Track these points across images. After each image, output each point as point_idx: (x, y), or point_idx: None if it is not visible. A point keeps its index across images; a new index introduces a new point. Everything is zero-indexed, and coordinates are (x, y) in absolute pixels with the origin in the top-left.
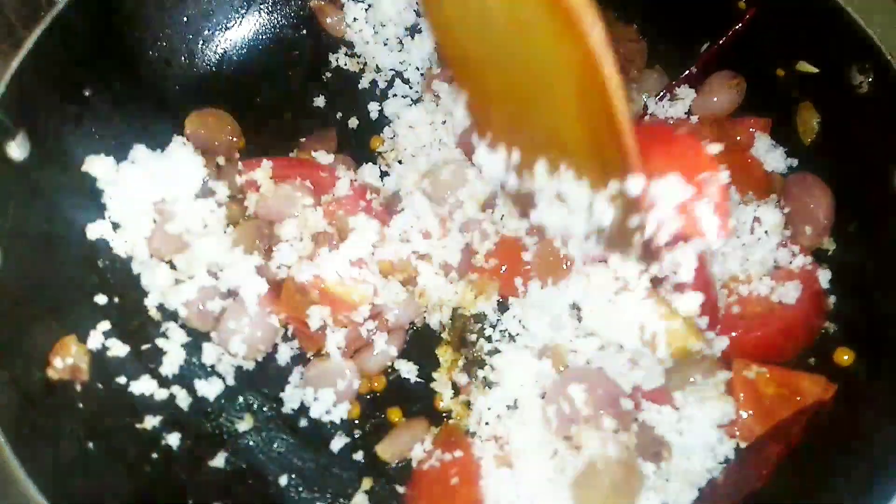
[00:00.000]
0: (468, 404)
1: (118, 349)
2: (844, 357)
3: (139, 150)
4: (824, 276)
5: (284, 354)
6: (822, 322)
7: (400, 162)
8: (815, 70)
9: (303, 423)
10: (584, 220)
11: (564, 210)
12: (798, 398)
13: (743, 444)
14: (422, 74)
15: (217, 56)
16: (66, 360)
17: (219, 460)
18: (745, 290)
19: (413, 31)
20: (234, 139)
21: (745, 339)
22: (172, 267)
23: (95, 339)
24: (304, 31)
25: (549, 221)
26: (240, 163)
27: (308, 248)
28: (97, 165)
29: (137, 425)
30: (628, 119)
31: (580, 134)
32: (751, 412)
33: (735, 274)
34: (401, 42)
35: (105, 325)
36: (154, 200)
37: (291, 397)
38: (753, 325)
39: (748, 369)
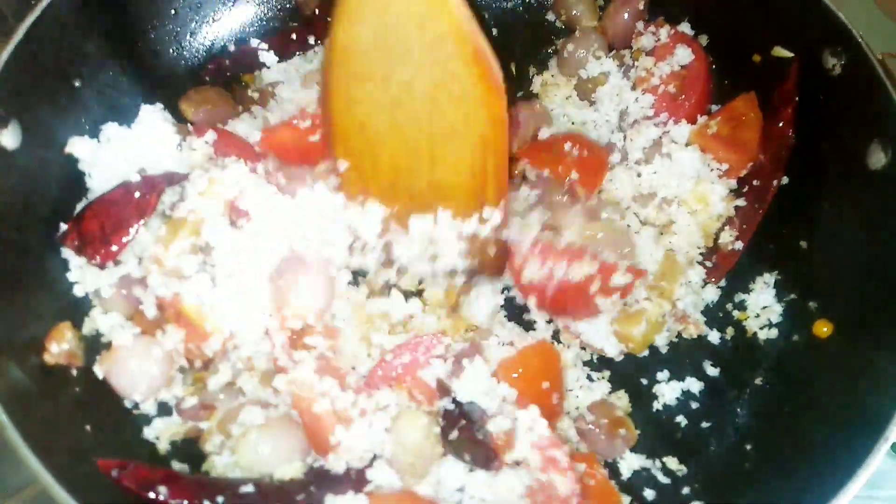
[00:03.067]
0: None
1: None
2: (824, 329)
3: (111, 128)
4: (703, 39)
5: None
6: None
7: None
8: (791, 54)
9: None
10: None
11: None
12: (744, 118)
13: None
14: None
15: (205, 47)
16: (62, 346)
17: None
18: (657, 81)
19: None
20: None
21: (682, 106)
22: None
23: (90, 326)
24: (294, 24)
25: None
26: (189, 125)
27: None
28: (80, 147)
29: (135, 411)
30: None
31: (467, 178)
32: (731, 153)
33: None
34: None
35: (99, 311)
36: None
37: None
38: (685, 90)
39: (709, 127)
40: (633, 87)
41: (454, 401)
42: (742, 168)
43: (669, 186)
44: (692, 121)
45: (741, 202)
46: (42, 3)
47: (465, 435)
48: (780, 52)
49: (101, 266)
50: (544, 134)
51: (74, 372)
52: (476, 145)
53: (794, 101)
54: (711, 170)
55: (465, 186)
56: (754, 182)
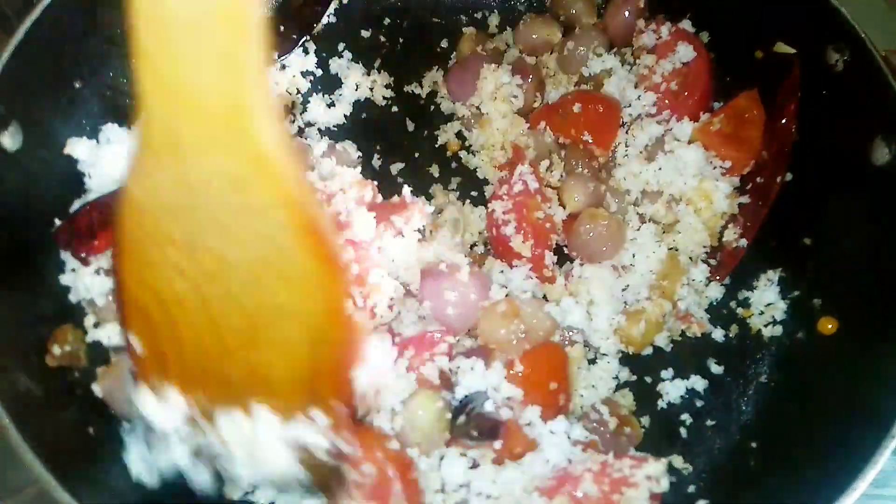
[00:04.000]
0: None
1: (114, 338)
2: (828, 326)
3: (111, 129)
4: (704, 36)
5: None
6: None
7: None
8: (793, 51)
9: None
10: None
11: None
12: (746, 115)
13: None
14: None
15: None
16: (64, 348)
17: None
18: (659, 78)
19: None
20: None
21: (685, 103)
22: None
23: (90, 325)
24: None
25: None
26: None
27: None
28: (79, 148)
29: None
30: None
31: (295, 367)
32: (734, 150)
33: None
34: None
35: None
36: None
37: None
38: (687, 87)
39: (711, 125)
40: (636, 86)
41: (462, 400)
42: (745, 166)
43: (673, 184)
44: (694, 118)
45: (745, 199)
46: (42, 4)
47: (472, 414)
48: (783, 48)
49: (85, 262)
50: (554, 96)
51: (77, 373)
52: (306, 331)
53: (796, 97)
54: (714, 167)
55: (291, 378)
56: (758, 179)
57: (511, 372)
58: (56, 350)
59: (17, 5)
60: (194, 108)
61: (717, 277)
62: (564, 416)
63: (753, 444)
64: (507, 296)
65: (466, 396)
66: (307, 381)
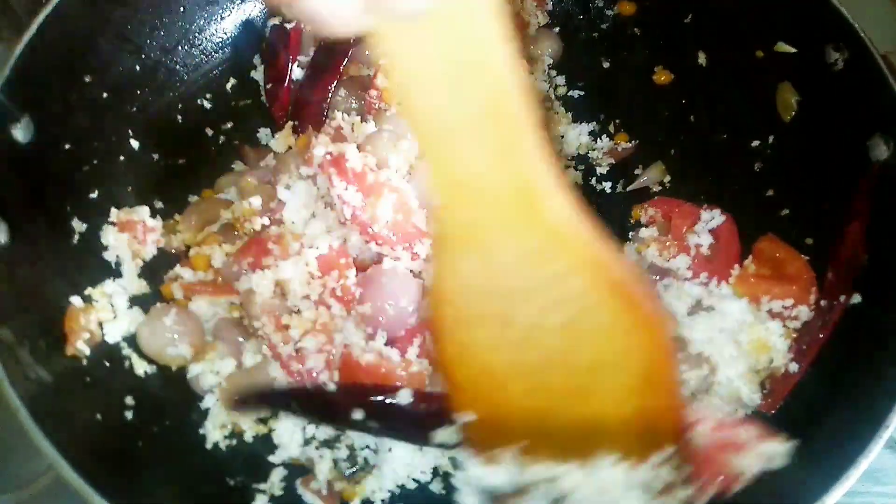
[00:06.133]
0: None
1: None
2: None
3: None
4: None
5: None
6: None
7: None
8: (793, 50)
9: None
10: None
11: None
12: (777, 255)
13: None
14: None
15: (213, 44)
16: (81, 332)
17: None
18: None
19: None
20: None
21: (721, 267)
22: None
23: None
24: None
25: None
26: None
27: None
28: None
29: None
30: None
31: (629, 420)
32: (788, 286)
33: None
34: None
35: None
36: None
37: None
38: (719, 253)
39: (748, 272)
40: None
41: None
42: (808, 294)
43: (717, 344)
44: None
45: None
46: (53, 1)
47: None
48: (784, 47)
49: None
50: None
51: (84, 361)
52: (636, 377)
53: (864, 217)
54: (763, 311)
55: (629, 420)
56: (821, 302)
57: None
58: (72, 326)
59: (27, 4)
60: (484, 198)
61: (768, 409)
62: None
63: None
64: None
65: None
66: (646, 421)
